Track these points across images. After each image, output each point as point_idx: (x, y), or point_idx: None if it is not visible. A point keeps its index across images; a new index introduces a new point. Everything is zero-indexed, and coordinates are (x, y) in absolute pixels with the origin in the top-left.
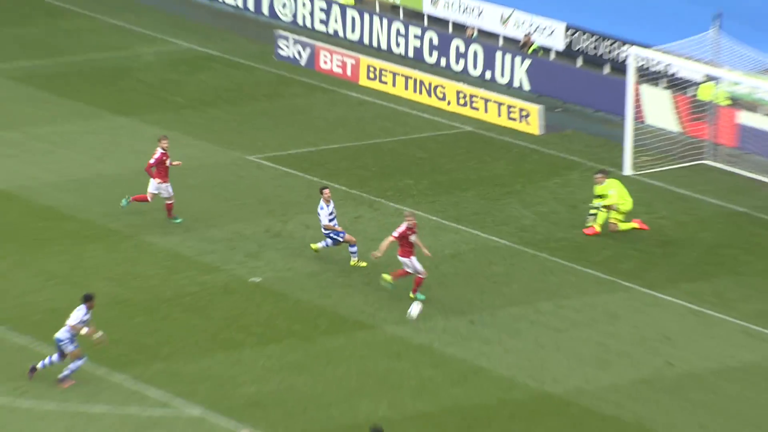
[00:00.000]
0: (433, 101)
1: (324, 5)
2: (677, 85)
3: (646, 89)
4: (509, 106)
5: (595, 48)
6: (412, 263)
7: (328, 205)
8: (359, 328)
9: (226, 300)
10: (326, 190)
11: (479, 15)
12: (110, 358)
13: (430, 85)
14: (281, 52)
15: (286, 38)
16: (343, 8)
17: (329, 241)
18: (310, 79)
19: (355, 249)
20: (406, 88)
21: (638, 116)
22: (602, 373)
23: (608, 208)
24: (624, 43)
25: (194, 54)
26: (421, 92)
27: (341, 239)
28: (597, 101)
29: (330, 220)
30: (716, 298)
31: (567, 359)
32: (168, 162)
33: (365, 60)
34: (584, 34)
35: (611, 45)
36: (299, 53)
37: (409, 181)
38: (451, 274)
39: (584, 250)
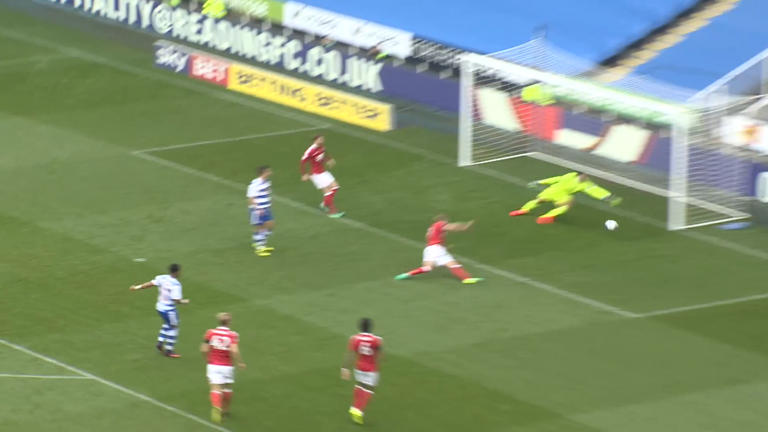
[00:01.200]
0: (295, 102)
1: (198, 18)
2: (507, 87)
3: (484, 92)
4: (362, 106)
5: (436, 55)
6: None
7: (262, 182)
8: (232, 301)
9: (114, 277)
10: (266, 169)
11: (335, 26)
12: (10, 330)
13: (292, 88)
14: (160, 60)
15: (165, 47)
16: (215, 20)
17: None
18: (187, 83)
19: (261, 237)
20: (272, 90)
21: (477, 116)
22: (443, 337)
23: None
24: (461, 51)
25: (83, 61)
26: (284, 94)
27: (256, 221)
28: (438, 101)
29: (259, 197)
30: (540, 270)
31: (413, 326)
32: (320, 158)
33: (235, 66)
34: (426, 42)
35: (450, 52)
36: (176, 60)
37: (275, 172)
38: (312, 253)
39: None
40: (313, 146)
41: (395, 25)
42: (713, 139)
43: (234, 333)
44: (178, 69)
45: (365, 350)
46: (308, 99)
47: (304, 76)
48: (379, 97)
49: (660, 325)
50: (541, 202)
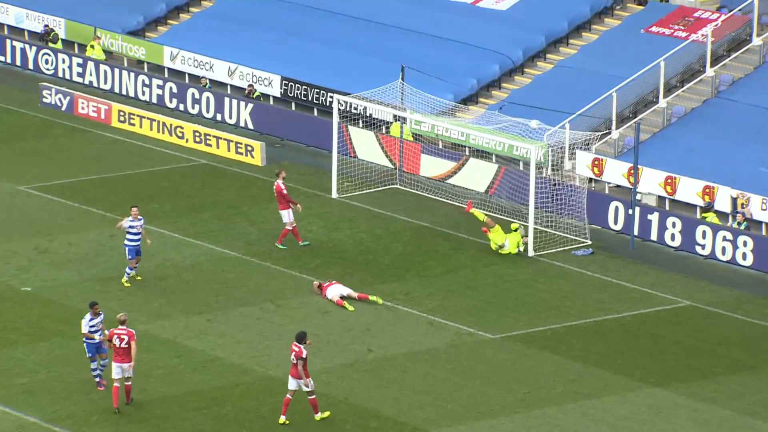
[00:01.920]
0: (173, 139)
1: (80, 61)
2: (373, 124)
3: (353, 129)
4: (237, 143)
5: (305, 95)
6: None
7: (134, 220)
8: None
9: (1, 306)
10: (134, 209)
11: (210, 68)
12: None
13: (171, 126)
14: (45, 100)
15: (49, 88)
16: (96, 63)
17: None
18: (71, 122)
19: (131, 271)
20: (151, 128)
21: (347, 151)
22: (315, 358)
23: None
24: (329, 91)
25: None
26: (163, 132)
27: (129, 255)
28: (308, 138)
29: (130, 233)
30: (405, 295)
31: (287, 348)
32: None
33: (116, 106)
34: (296, 83)
35: (318, 92)
36: (60, 100)
37: (155, 205)
38: (191, 281)
39: (300, 259)
40: (281, 181)
41: (266, 68)
42: (564, 172)
43: (132, 331)
44: (63, 108)
45: (292, 359)
46: (186, 136)
47: (182, 114)
48: (253, 134)
49: (515, 345)
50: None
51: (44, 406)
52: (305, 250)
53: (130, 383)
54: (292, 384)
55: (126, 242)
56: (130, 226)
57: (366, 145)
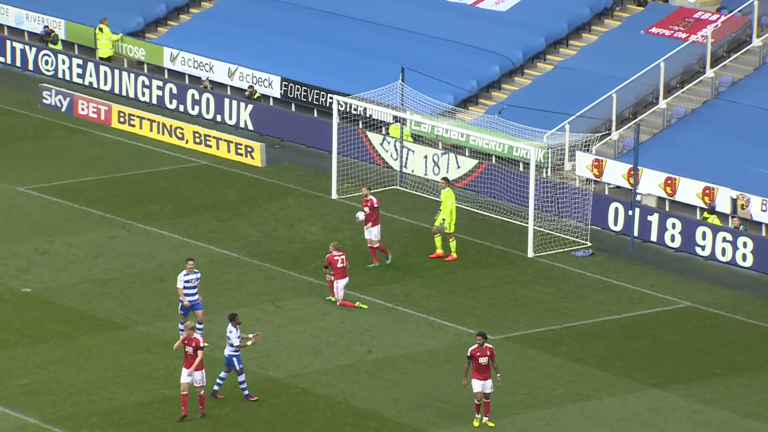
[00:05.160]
0: (173, 140)
1: (80, 62)
2: (372, 126)
3: (375, 137)
4: (237, 144)
5: (305, 96)
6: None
7: (188, 274)
8: (115, 328)
9: (1, 307)
10: (190, 262)
11: (210, 69)
12: None
13: (171, 126)
14: (45, 101)
15: (49, 89)
16: (96, 63)
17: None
18: (70, 123)
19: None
20: (151, 129)
21: (379, 162)
22: (315, 360)
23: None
24: (329, 92)
25: None
26: (163, 133)
27: (180, 310)
28: (308, 139)
29: (187, 288)
30: (405, 297)
31: (287, 349)
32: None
33: (116, 107)
34: (296, 84)
35: (318, 93)
36: (60, 102)
37: (155, 207)
38: None
39: (299, 260)
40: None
41: (266, 69)
42: (564, 173)
43: (198, 338)
44: (63, 109)
45: (482, 360)
46: (186, 137)
47: (182, 115)
48: (253, 135)
49: (515, 346)
50: (439, 234)
51: (44, 407)
52: (305, 251)
53: (203, 392)
54: (476, 386)
55: (185, 296)
56: (186, 282)
57: (392, 150)
